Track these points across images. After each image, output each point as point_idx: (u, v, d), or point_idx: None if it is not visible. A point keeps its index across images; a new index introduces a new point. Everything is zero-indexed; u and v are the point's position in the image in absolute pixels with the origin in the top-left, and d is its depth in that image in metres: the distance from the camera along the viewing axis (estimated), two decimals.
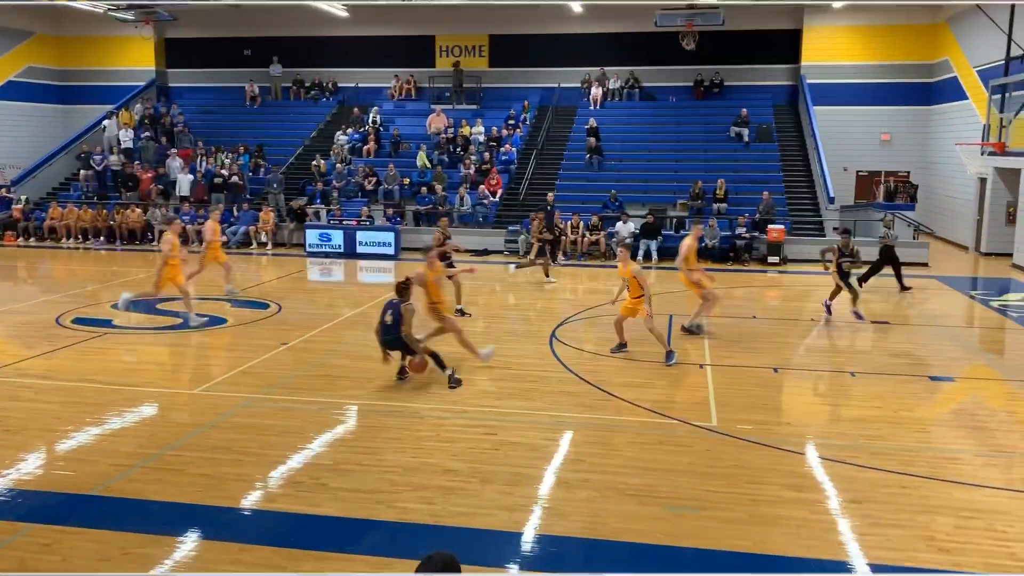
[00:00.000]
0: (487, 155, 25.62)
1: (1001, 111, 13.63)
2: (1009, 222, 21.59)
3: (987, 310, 15.72)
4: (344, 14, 27.89)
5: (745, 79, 28.90)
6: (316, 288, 18.63)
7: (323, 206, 23.99)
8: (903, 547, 6.10)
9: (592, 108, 28.25)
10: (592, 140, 25.78)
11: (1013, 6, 13.77)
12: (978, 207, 23.13)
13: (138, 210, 24.07)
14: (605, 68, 29.14)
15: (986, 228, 22.59)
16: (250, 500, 6.92)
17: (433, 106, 28.35)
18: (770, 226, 21.43)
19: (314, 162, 25.81)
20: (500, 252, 22.41)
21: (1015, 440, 8.60)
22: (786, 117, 27.70)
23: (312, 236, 22.48)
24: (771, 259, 21.03)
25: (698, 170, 24.42)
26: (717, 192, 23.05)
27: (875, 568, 5.84)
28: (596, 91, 28.54)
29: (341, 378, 10.46)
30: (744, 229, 21.42)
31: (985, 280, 19.04)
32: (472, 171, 24.91)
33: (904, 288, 16.56)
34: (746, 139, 25.82)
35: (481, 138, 26.74)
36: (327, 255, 22.08)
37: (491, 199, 23.84)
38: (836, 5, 25.81)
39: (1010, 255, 20.91)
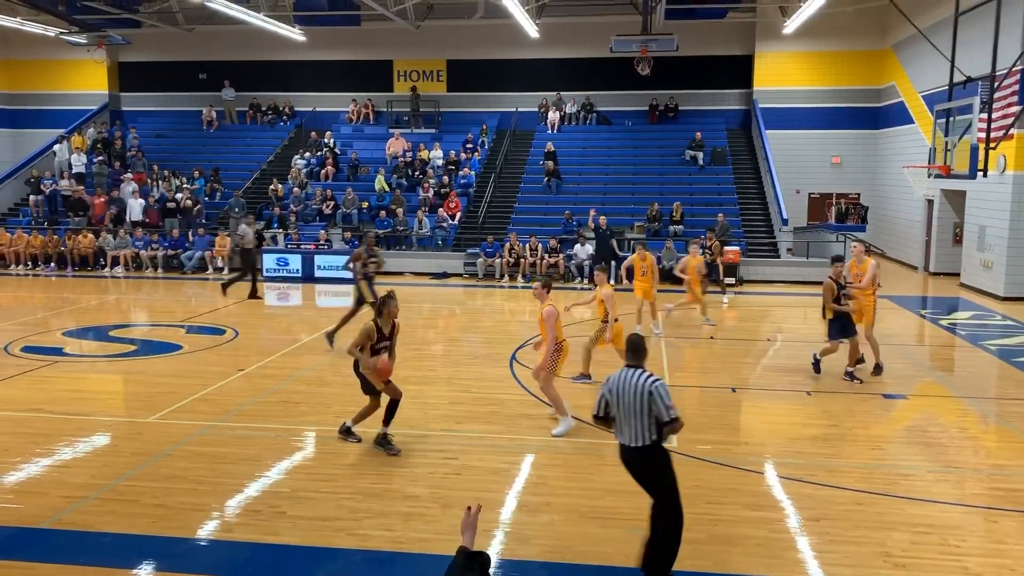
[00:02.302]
0: (446, 178, 25.68)
1: (946, 135, 14.03)
2: (956, 243, 22.20)
3: (937, 328, 16.11)
4: (301, 38, 27.85)
5: (699, 103, 29.44)
6: (273, 313, 18.42)
7: (280, 230, 23.78)
8: (861, 563, 6.19)
9: (549, 132, 28.53)
10: (550, 163, 26.00)
11: (955, 33, 14.23)
12: (926, 228, 23.75)
13: (90, 235, 23.61)
14: (562, 92, 29.48)
15: (934, 249, 23.19)
16: (206, 530, 6.78)
17: (391, 130, 28.39)
18: (726, 248, 21.75)
19: (271, 186, 25.61)
20: (459, 275, 22.40)
21: (966, 456, 8.79)
22: (740, 141, 28.25)
23: (269, 260, 22.25)
24: (728, 280, 21.30)
25: (654, 193, 24.77)
26: (673, 215, 23.35)
27: None
28: (553, 115, 28.84)
29: (299, 404, 10.34)
30: (699, 250, 21.68)
31: (934, 299, 19.51)
32: (431, 194, 24.93)
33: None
34: (701, 162, 26.24)
35: (440, 162, 26.81)
36: (284, 280, 21.87)
37: (450, 222, 23.86)
38: (786, 31, 26.43)
39: (958, 275, 21.48)
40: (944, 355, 14.24)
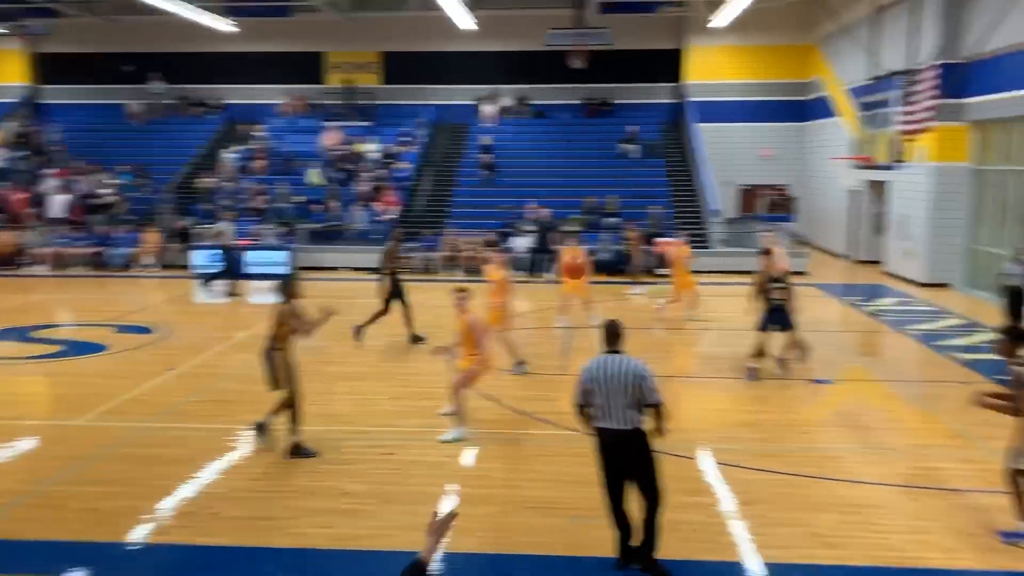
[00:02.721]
0: (381, 172, 25.44)
1: (868, 127, 14.48)
2: (879, 232, 22.95)
3: (862, 315, 16.65)
4: (230, 29, 27.23)
5: (632, 97, 29.76)
6: (204, 311, 18.02)
7: (211, 226, 23.24)
8: (792, 544, 6.38)
9: (485, 125, 28.52)
10: (486, 157, 26.00)
11: (876, 29, 14.67)
12: (851, 218, 24.52)
13: (10, 233, 22.70)
14: (497, 86, 29.49)
15: (860, 237, 23.96)
16: (140, 534, 6.62)
17: (325, 123, 27.99)
18: (659, 239, 22.06)
19: (201, 181, 25.00)
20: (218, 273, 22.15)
21: (891, 437, 9.12)
22: (672, 134, 28.66)
23: (199, 257, 21.73)
24: (661, 271, 21.63)
25: (590, 186, 24.96)
26: (608, 207, 23.59)
27: (769, 567, 6.08)
28: (489, 108, 28.83)
29: (233, 403, 10.15)
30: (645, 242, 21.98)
31: (859, 287, 20.14)
32: (366, 188, 24.69)
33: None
34: (635, 155, 26.56)
35: (375, 155, 26.55)
36: (215, 276, 21.37)
37: (386, 216, 23.66)
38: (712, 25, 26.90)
39: (880, 262, 22.23)
40: (869, 341, 14.73)
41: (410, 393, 10.63)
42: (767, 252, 11.78)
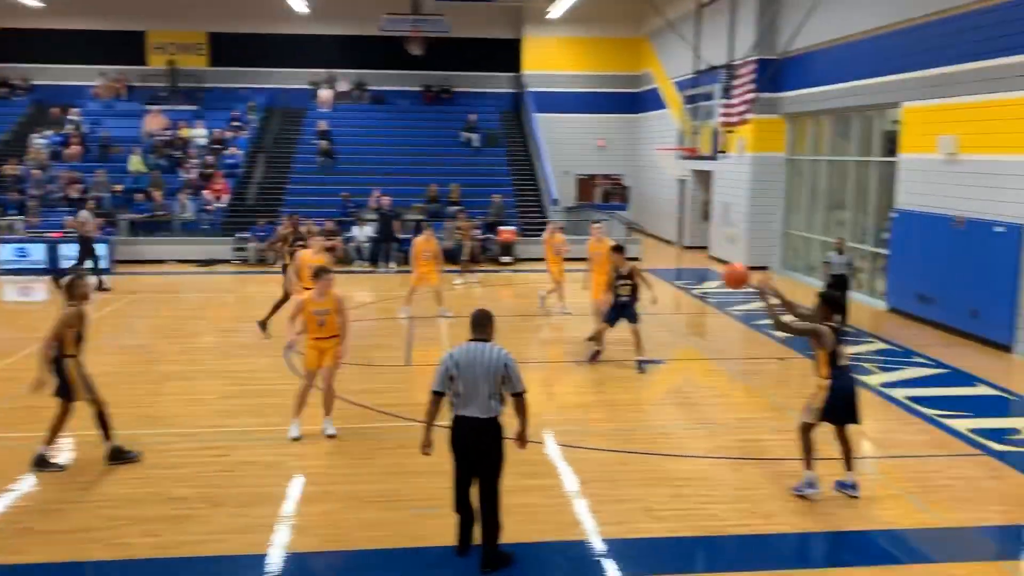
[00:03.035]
0: (210, 158, 24.23)
1: (692, 119, 15.22)
2: (705, 218, 24.26)
3: (690, 298, 17.54)
4: (38, 4, 25.04)
5: (473, 86, 29.89)
6: (13, 309, 16.56)
7: (19, 217, 21.38)
8: (626, 520, 6.62)
9: (322, 110, 27.78)
10: (323, 143, 25.34)
11: (698, 24, 15.42)
12: (679, 206, 25.76)
13: None
14: (333, 70, 28.77)
15: (687, 224, 25.23)
16: None
17: (147, 106, 26.33)
18: (501, 228, 22.36)
19: (7, 168, 22.90)
20: (228, 261, 21.27)
21: (717, 413, 9.65)
22: (512, 123, 29.03)
23: (6, 251, 19.95)
24: (503, 259, 21.92)
25: (432, 174, 24.85)
26: (451, 196, 23.60)
27: (606, 543, 6.27)
28: (325, 93, 28.10)
29: (46, 408, 9.33)
30: (478, 231, 22.12)
31: (687, 271, 21.21)
32: (194, 175, 23.45)
33: None
34: (476, 144, 26.70)
35: (203, 141, 25.25)
36: (26, 272, 19.69)
37: (216, 205, 22.59)
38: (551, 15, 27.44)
39: (706, 248, 23.51)
40: (697, 322, 15.54)
41: (243, 391, 10.19)
42: (619, 248, 11.83)
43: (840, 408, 6.89)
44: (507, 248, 22.04)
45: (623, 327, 11.36)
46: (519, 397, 5.81)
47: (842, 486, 7.11)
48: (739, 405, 10.04)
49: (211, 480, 7.36)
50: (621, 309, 11.28)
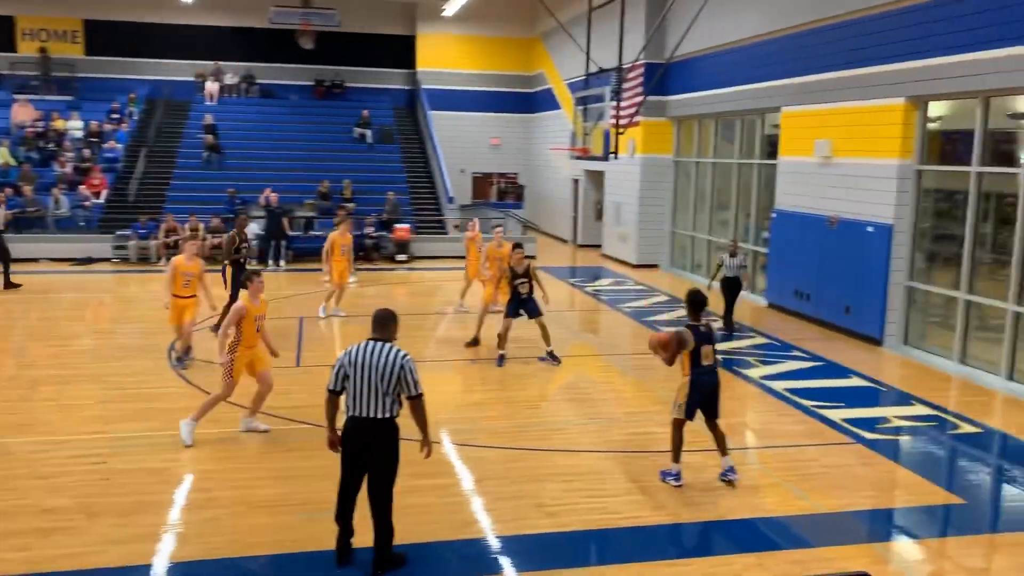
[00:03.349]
0: (87, 152, 23.05)
1: (584, 120, 15.50)
2: (598, 218, 24.75)
3: (584, 295, 17.85)
4: None
5: (366, 81, 29.52)
6: None
7: None
8: (518, 517, 6.68)
9: (208, 103, 26.85)
10: (209, 137, 24.49)
11: (589, 27, 15.71)
12: (573, 205, 26.18)
13: None
14: (220, 62, 27.85)
15: (581, 223, 25.66)
16: None
17: (16, 96, 24.83)
18: (396, 225, 22.17)
19: None
20: (108, 260, 20.29)
21: (610, 407, 9.86)
22: (407, 120, 28.83)
23: None
24: (399, 257, 21.74)
25: (324, 170, 24.41)
26: (344, 192, 23.23)
27: (499, 540, 6.31)
28: (212, 86, 27.18)
29: None
30: (372, 228, 21.87)
31: (581, 269, 21.58)
32: (69, 170, 22.26)
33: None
34: (369, 140, 26.37)
35: (79, 133, 24.01)
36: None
37: (94, 201, 21.51)
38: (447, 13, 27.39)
39: (600, 246, 23.98)
40: (590, 319, 15.83)
41: (123, 395, 9.75)
42: (518, 245, 11.69)
43: (699, 404, 7.30)
44: (402, 246, 21.86)
45: (522, 324, 11.47)
46: (415, 401, 5.72)
47: (723, 475, 7.39)
48: (630, 399, 10.29)
49: (88, 489, 7.00)
50: (521, 303, 11.41)
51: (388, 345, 5.68)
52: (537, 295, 11.57)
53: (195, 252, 10.83)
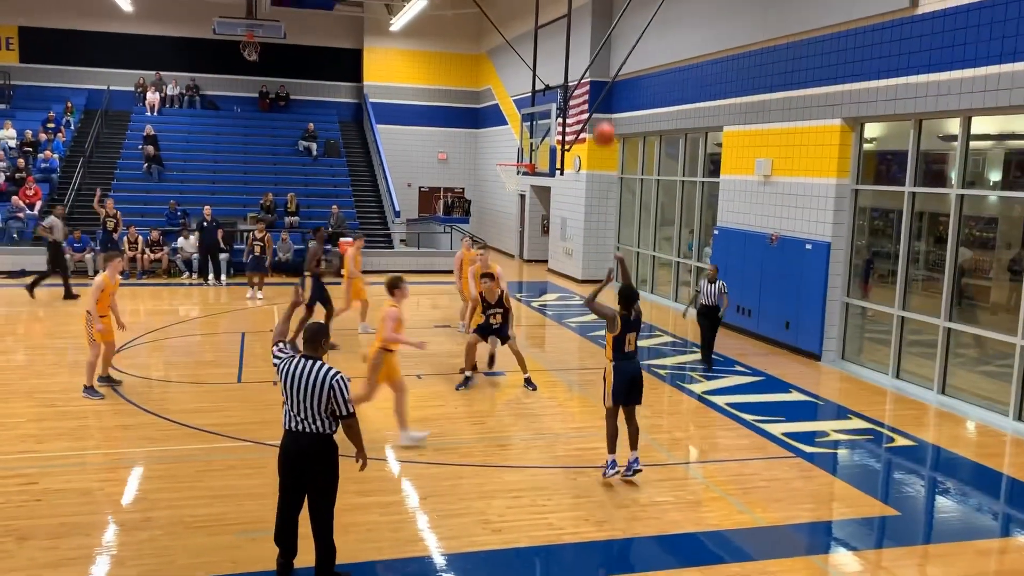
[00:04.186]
0: (21, 162, 22.37)
1: (531, 136, 15.60)
2: (544, 233, 24.89)
3: (530, 310, 17.89)
4: None
5: (311, 94, 29.30)
6: None
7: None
8: (463, 534, 6.63)
9: (149, 114, 26.33)
10: (150, 148, 23.98)
11: (536, 45, 15.85)
12: (520, 220, 26.28)
13: None
14: (162, 72, 27.36)
15: (527, 238, 25.77)
16: None
17: None
18: (342, 239, 21.92)
19: None
20: (43, 273, 19.61)
21: (555, 423, 9.87)
22: (353, 133, 28.67)
23: None
24: (343, 271, 21.46)
25: (268, 182, 24.14)
26: (288, 205, 22.95)
27: (444, 558, 6.26)
28: (152, 96, 26.66)
29: None
30: (301, 243, 21.63)
31: (528, 284, 21.63)
32: (1, 180, 21.57)
33: None
34: (315, 153, 26.13)
35: (12, 143, 23.30)
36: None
37: (28, 212, 20.87)
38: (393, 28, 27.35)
39: (546, 261, 24.10)
40: (536, 333, 15.86)
41: (56, 413, 9.43)
42: (489, 275, 11.34)
43: (624, 390, 7.66)
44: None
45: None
46: (347, 420, 5.61)
47: (627, 470, 7.70)
48: (575, 415, 10.32)
49: (17, 512, 6.74)
50: (491, 330, 11.19)
51: (320, 363, 5.56)
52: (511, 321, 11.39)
53: (119, 270, 10.43)
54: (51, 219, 17.57)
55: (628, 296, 7.76)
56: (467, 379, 11.15)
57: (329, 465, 5.58)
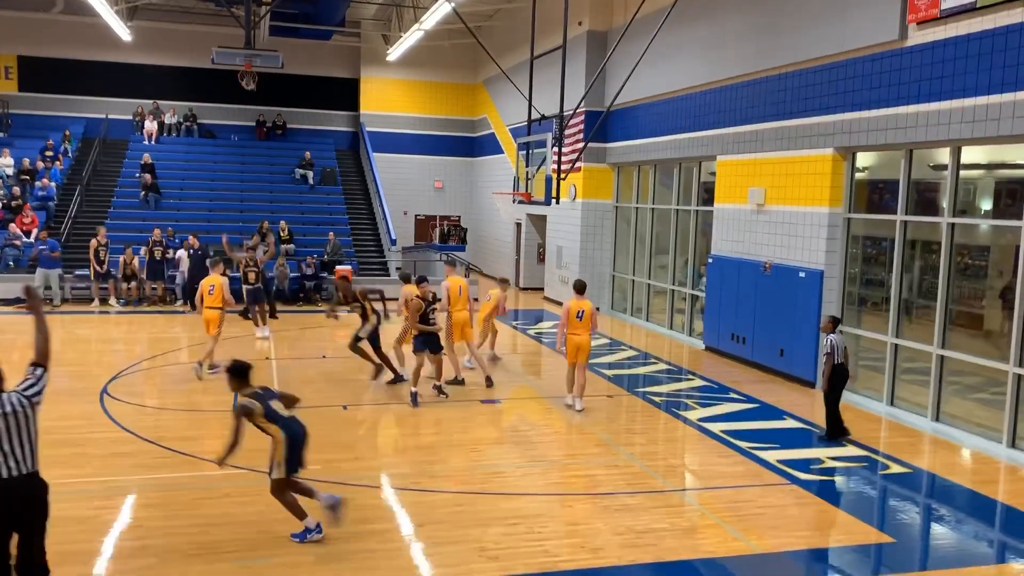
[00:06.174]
0: (17, 189, 22.44)
1: (527, 165, 15.74)
2: (540, 261, 25.00)
3: (526, 338, 17.92)
4: None
5: (308, 123, 29.55)
6: None
7: None
8: (460, 562, 6.63)
9: (146, 142, 26.50)
10: (147, 176, 24.10)
11: (531, 75, 16.04)
12: (516, 248, 26.40)
13: None
14: (159, 101, 27.57)
15: (523, 266, 25.88)
16: None
17: None
18: (338, 267, 22.00)
19: None
20: (48, 301, 19.65)
21: (551, 450, 9.88)
22: (349, 161, 28.86)
23: None
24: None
25: (263, 210, 24.24)
26: (282, 233, 23.03)
27: None
28: (150, 125, 26.84)
29: None
30: (312, 270, 21.69)
31: (524, 312, 21.69)
32: None
33: None
34: (311, 181, 26.28)
35: (9, 171, 23.40)
36: None
37: (25, 240, 20.91)
38: (391, 58, 27.65)
39: (542, 289, 24.18)
40: (533, 361, 15.89)
41: (54, 441, 9.38)
42: (424, 280, 12.06)
43: None
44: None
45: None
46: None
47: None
48: (570, 442, 10.33)
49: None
50: (429, 339, 11.59)
51: (4, 395, 5.20)
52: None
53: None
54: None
55: (241, 370, 6.92)
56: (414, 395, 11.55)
57: (47, 507, 5.28)
